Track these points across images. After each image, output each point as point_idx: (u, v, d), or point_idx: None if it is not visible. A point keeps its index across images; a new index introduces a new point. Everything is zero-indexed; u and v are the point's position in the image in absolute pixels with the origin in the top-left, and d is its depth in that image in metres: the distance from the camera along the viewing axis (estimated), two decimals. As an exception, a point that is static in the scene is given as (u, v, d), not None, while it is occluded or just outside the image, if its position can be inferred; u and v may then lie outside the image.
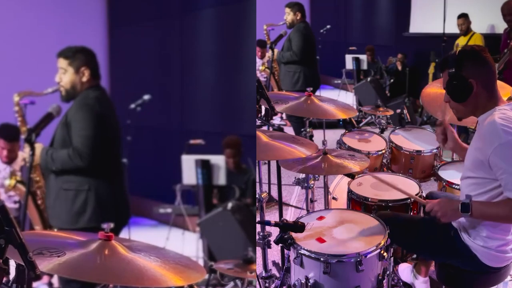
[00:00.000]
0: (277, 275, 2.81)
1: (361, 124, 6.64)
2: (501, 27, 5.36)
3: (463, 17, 6.15)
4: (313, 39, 5.48)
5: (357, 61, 7.53)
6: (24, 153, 3.62)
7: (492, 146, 1.96)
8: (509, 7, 4.99)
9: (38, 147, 2.85)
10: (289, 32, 5.33)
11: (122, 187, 3.03)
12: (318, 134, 4.26)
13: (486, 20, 6.86)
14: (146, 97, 5.17)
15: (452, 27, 6.44)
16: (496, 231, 2.12)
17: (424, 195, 2.73)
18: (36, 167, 2.98)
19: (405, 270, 2.95)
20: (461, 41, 6.14)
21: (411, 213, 2.69)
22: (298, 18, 5.28)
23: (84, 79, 2.91)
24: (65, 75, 2.91)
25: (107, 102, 2.97)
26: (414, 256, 2.95)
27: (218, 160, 4.16)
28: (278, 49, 5.54)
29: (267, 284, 2.65)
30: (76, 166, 2.79)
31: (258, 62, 7.22)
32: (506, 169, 1.94)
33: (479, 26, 6.37)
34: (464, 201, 2.06)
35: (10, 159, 3.67)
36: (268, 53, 5.55)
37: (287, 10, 5.30)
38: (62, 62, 2.92)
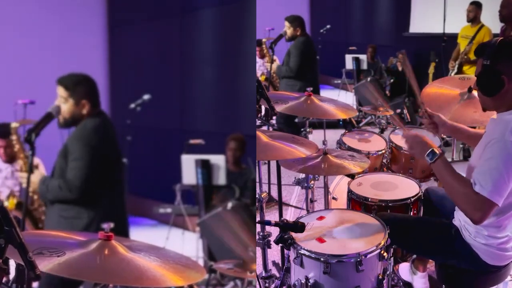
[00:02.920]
0: (277, 275, 2.82)
1: (361, 124, 6.64)
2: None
3: (474, 5, 5.93)
4: (313, 52, 5.43)
5: (357, 61, 7.52)
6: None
7: (493, 136, 1.96)
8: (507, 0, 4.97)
9: (38, 174, 2.83)
10: (289, 45, 5.31)
11: (121, 207, 3.00)
12: (318, 134, 4.25)
13: (486, 20, 6.85)
14: (146, 97, 5.17)
15: (452, 27, 6.42)
16: (499, 231, 2.12)
17: (423, 192, 2.74)
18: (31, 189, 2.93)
19: (404, 269, 2.96)
20: (467, 31, 6.05)
21: (411, 213, 2.69)
22: (298, 33, 5.25)
23: (84, 111, 2.86)
24: (65, 104, 2.85)
25: (106, 130, 2.91)
26: (415, 256, 2.95)
27: (218, 160, 4.16)
28: (279, 48, 5.52)
29: (267, 284, 2.65)
30: (67, 198, 2.76)
31: (258, 61, 7.22)
32: (486, 159, 1.94)
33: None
34: (435, 149, 2.07)
35: (10, 157, 3.66)
36: (269, 53, 5.53)
37: (287, 24, 5.26)
38: (62, 92, 2.86)
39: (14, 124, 2.95)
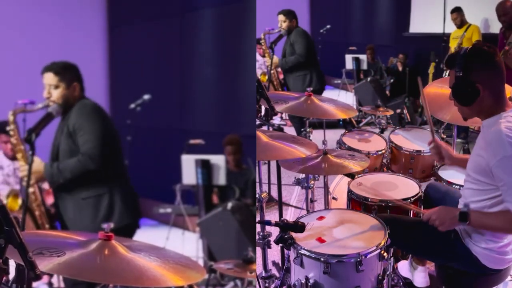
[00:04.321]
0: (277, 275, 2.82)
1: (361, 124, 6.64)
2: (499, 25, 5.36)
3: (456, 12, 6.17)
4: (312, 42, 5.57)
5: (357, 61, 7.53)
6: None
7: (497, 157, 1.94)
8: (504, 7, 5.00)
9: (37, 162, 2.85)
10: (288, 36, 5.37)
11: (130, 185, 3.13)
12: (318, 134, 4.26)
13: (484, 19, 6.85)
14: (146, 97, 5.17)
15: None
16: (497, 233, 2.12)
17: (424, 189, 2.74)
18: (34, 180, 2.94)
19: (404, 267, 2.96)
20: (457, 33, 6.14)
21: (411, 214, 2.69)
22: (294, 24, 5.40)
23: (76, 93, 2.98)
24: (56, 90, 2.93)
25: (102, 108, 3.05)
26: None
27: (218, 160, 4.16)
28: (279, 47, 5.53)
29: (267, 284, 2.65)
30: (88, 170, 2.81)
31: (260, 60, 7.22)
32: (507, 182, 1.94)
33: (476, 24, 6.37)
34: (463, 210, 2.06)
35: (15, 153, 3.66)
36: (269, 53, 5.55)
37: (282, 17, 5.39)
38: (52, 78, 2.93)
39: (10, 116, 2.96)
